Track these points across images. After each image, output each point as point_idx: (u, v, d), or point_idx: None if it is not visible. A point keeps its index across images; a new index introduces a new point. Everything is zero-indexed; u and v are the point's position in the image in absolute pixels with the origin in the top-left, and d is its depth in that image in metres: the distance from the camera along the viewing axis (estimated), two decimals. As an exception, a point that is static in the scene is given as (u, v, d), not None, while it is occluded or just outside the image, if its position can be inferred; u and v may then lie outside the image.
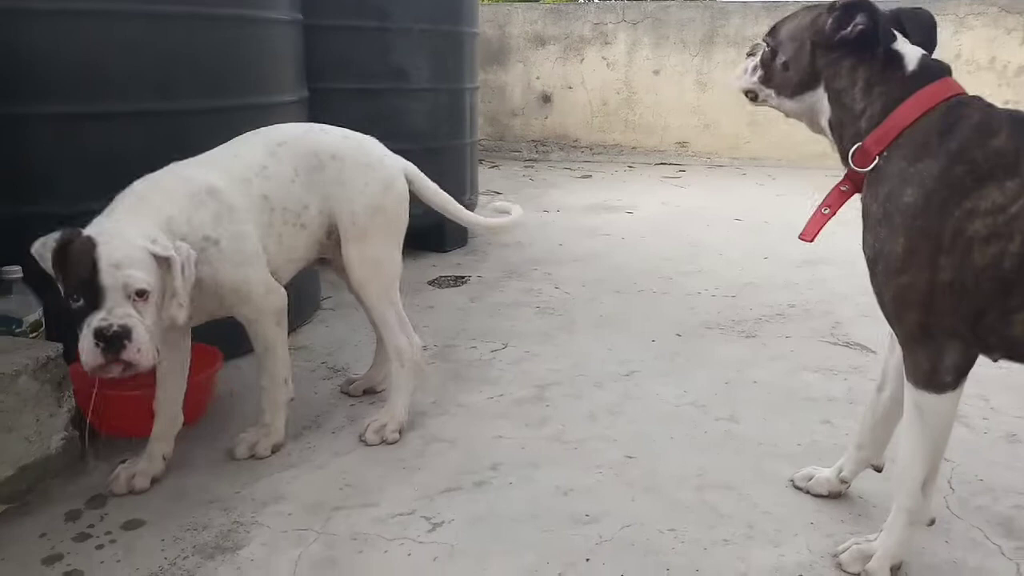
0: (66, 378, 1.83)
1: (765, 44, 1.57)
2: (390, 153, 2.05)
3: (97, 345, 1.48)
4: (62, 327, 1.97)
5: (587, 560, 1.55)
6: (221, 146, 1.91)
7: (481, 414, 2.16)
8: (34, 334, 1.97)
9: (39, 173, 2.06)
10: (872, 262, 1.40)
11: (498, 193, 5.41)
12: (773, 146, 6.64)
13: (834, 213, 1.52)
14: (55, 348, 1.82)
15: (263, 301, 1.84)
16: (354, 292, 2.13)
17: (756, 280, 3.39)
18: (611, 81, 6.98)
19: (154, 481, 1.79)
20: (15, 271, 1.95)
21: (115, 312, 1.49)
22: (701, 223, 4.51)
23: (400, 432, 2.01)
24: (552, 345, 2.66)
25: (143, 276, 1.51)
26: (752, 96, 1.63)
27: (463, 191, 3.86)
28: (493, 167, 6.59)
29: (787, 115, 1.60)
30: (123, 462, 1.84)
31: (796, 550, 1.59)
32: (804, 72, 1.48)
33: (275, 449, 1.92)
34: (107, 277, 1.48)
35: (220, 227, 1.74)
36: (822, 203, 1.52)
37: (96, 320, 1.48)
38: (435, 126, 3.63)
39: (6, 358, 1.74)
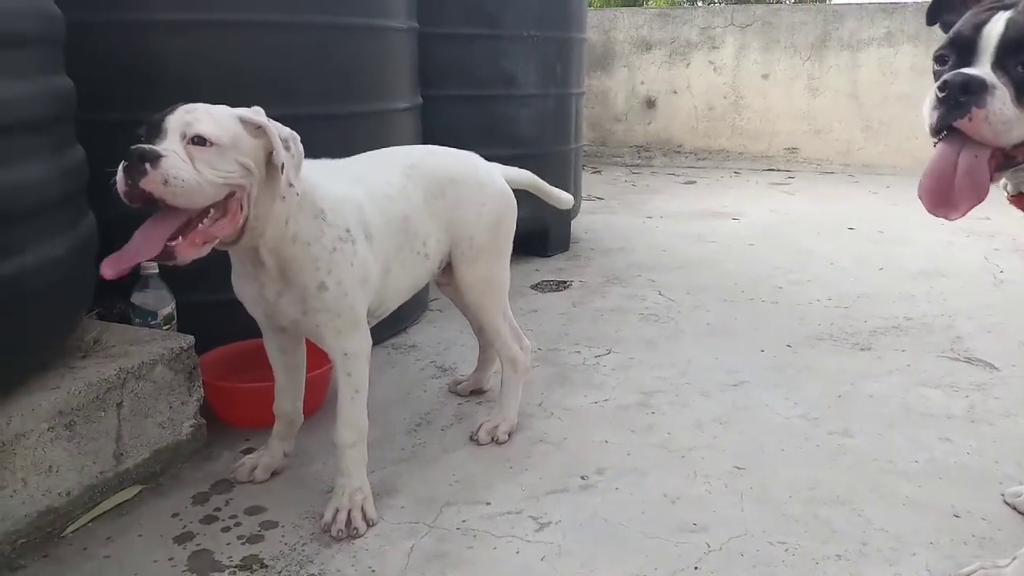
0: (196, 368, 1.94)
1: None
2: (492, 164, 2.01)
3: (123, 167, 1.36)
4: (193, 321, 2.10)
5: (695, 568, 1.54)
6: (345, 160, 1.81)
7: (586, 418, 2.17)
8: (167, 326, 2.09)
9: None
10: None
11: (600, 199, 5.41)
12: (889, 152, 6.41)
13: None
14: (187, 340, 1.93)
15: (365, 336, 1.69)
16: (465, 310, 2.17)
17: (870, 291, 3.28)
18: (718, 86, 6.87)
19: (274, 473, 1.86)
20: (152, 268, 2.08)
21: (158, 143, 1.38)
22: (811, 231, 4.39)
23: (510, 434, 2.05)
24: (656, 352, 2.64)
25: (210, 126, 1.40)
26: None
27: (568, 196, 3.88)
28: (595, 172, 6.58)
29: None
30: (245, 452, 1.94)
31: (914, 570, 1.54)
32: None
33: (370, 523, 1.67)
34: (174, 120, 1.41)
35: (358, 231, 1.65)
36: None
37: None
38: (542, 132, 3.66)
39: (144, 348, 1.86)
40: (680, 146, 7.09)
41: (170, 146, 1.37)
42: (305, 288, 1.59)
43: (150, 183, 1.34)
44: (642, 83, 7.12)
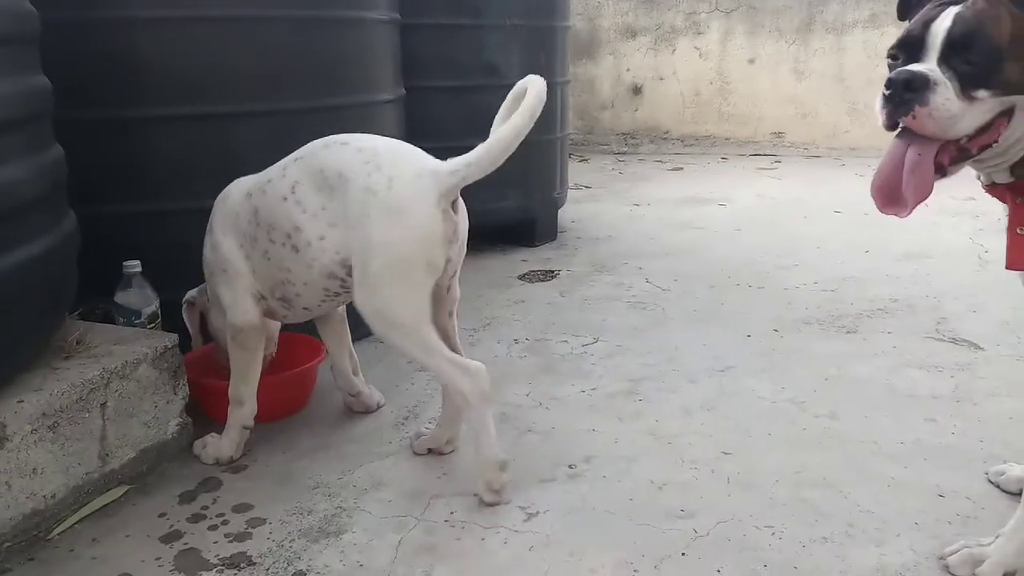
0: (181, 367, 1.94)
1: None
2: (416, 169, 1.61)
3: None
4: (177, 319, 2.10)
5: (682, 554, 1.55)
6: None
7: (574, 407, 2.17)
8: (151, 325, 2.09)
9: (157, 172, 2.17)
10: None
11: (587, 187, 5.40)
12: (875, 135, 6.37)
13: None
14: (171, 338, 1.92)
15: (229, 313, 1.86)
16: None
17: (856, 274, 3.29)
18: (704, 71, 6.86)
19: (243, 468, 1.86)
20: (135, 266, 2.06)
21: None
22: (798, 216, 4.40)
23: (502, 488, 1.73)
24: (644, 340, 2.65)
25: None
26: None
27: (553, 186, 3.88)
28: (582, 161, 6.57)
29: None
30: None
31: (899, 551, 1.55)
32: None
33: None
34: None
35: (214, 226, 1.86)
36: (1012, 225, 1.33)
37: None
38: (526, 121, 3.64)
39: (127, 348, 1.85)
40: (667, 133, 7.08)
41: None
42: None
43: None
44: (628, 70, 7.11)
